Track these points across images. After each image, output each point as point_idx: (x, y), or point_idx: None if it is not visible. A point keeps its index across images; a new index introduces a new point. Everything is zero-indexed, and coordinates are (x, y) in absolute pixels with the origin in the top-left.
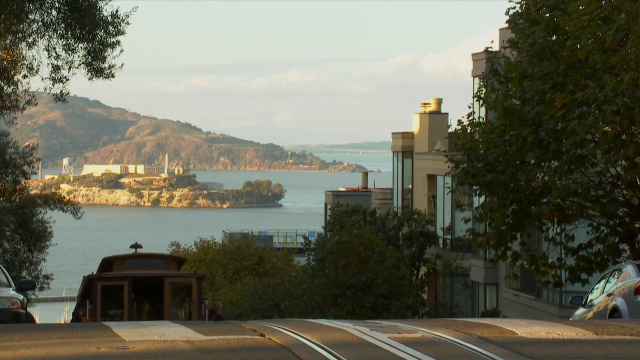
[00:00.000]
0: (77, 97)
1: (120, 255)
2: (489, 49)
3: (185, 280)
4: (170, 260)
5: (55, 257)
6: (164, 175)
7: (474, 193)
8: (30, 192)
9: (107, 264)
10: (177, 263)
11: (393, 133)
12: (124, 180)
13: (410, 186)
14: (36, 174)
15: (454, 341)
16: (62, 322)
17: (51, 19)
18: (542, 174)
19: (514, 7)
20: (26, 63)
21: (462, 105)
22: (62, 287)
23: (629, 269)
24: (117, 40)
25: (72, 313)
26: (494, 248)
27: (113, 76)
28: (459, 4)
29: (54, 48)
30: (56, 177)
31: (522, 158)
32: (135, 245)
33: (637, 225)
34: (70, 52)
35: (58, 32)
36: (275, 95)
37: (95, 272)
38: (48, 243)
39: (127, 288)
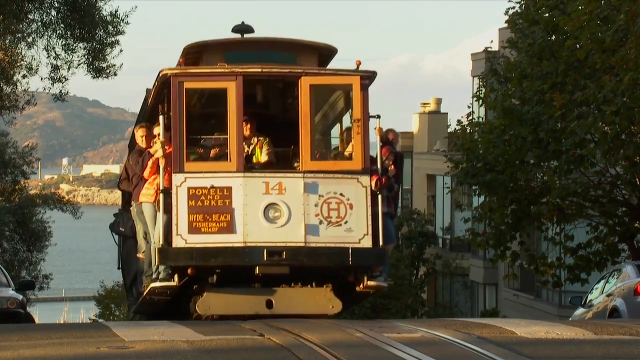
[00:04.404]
0: (77, 97)
1: (217, 41)
2: (489, 49)
3: (338, 81)
4: (307, 50)
5: (55, 257)
6: None
7: (473, 193)
8: (30, 192)
9: (194, 54)
10: (318, 55)
11: None
12: None
13: (410, 186)
14: (35, 173)
15: (453, 341)
16: (62, 322)
17: (50, 19)
18: (542, 174)
19: (514, 7)
20: (25, 63)
21: (461, 105)
22: (62, 287)
23: (628, 269)
24: (116, 40)
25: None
26: (493, 248)
27: (115, 74)
28: (459, 4)
29: (54, 48)
30: (55, 177)
31: (522, 158)
32: (241, 29)
33: (636, 225)
34: (69, 52)
35: (57, 32)
36: None
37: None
38: (47, 243)
39: (234, 94)
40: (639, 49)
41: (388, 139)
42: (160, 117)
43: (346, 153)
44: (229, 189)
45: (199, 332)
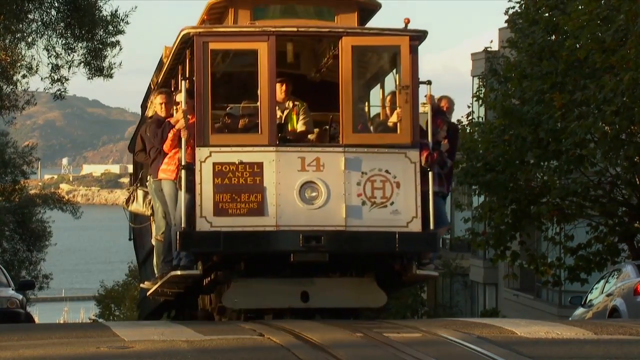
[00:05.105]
0: (77, 96)
1: None
2: (488, 49)
3: (384, 42)
4: (346, 5)
5: (55, 257)
6: None
7: (473, 193)
8: (30, 192)
9: (219, 11)
10: (359, 10)
11: None
12: (124, 180)
13: None
14: (35, 173)
15: (453, 341)
16: (62, 322)
17: (50, 19)
18: (542, 174)
19: (514, 7)
20: (25, 63)
21: (461, 105)
22: (62, 287)
23: (628, 269)
24: (116, 40)
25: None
26: (493, 248)
27: (112, 76)
28: (459, 4)
29: (54, 47)
30: (55, 176)
31: (522, 158)
32: None
33: (636, 225)
34: (69, 52)
35: (57, 32)
36: None
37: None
38: (47, 243)
39: (266, 56)
40: (639, 49)
41: (440, 108)
42: (182, 83)
43: (389, 123)
44: (260, 165)
45: (199, 332)
